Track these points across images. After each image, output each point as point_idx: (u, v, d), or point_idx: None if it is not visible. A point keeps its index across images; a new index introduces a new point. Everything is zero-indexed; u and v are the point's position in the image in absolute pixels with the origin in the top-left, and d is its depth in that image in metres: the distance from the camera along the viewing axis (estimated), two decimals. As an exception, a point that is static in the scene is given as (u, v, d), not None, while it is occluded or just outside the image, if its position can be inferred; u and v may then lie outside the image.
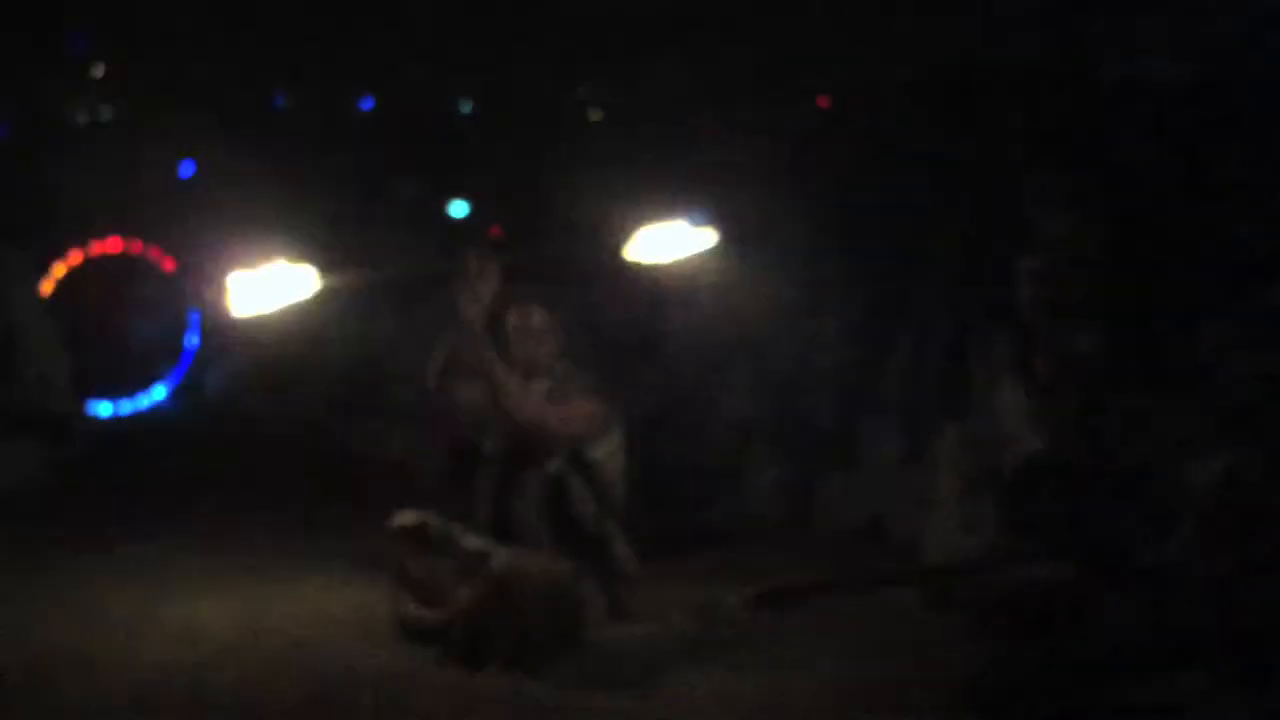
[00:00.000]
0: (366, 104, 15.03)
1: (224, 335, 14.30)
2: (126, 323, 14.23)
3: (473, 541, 8.17)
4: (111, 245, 14.08)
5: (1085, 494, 8.96)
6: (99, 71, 13.07)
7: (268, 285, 7.94)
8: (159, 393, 14.31)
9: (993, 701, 6.99)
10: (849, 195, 12.68)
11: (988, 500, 9.24)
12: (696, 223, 8.85)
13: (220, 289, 8.51)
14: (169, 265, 14.28)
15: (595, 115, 15.54)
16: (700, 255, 9.01)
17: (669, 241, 8.80)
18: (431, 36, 13.51)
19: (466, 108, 15.21)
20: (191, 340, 14.43)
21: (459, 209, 13.96)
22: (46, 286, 13.30)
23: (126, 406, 14.10)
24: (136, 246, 14.19)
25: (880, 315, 11.86)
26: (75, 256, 13.88)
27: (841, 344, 11.92)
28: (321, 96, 14.41)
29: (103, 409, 13.80)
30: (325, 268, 7.97)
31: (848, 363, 11.81)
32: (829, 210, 12.59)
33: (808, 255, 12.49)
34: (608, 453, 8.72)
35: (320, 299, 8.88)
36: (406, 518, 8.36)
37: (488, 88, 15.19)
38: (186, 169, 14.37)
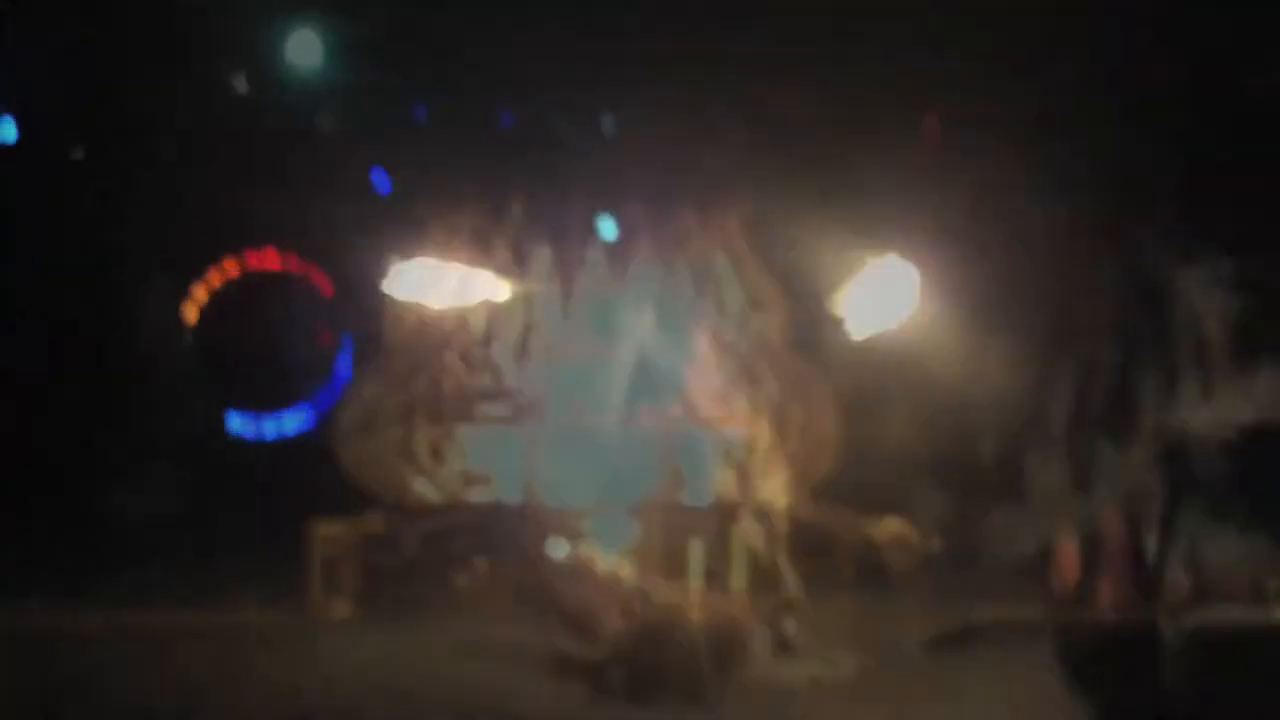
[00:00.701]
0: (505, 120, 14.65)
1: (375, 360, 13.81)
2: (277, 341, 13.69)
3: (632, 573, 8.00)
4: (268, 260, 13.54)
5: None
6: (243, 85, 12.76)
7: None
8: (304, 416, 13.88)
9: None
10: (1014, 218, 12.38)
11: (1161, 545, 8.93)
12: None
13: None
14: (326, 287, 13.67)
15: (737, 135, 15.18)
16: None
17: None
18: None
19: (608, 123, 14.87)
20: (343, 365, 13.81)
21: (608, 229, 13.61)
22: (197, 298, 12.99)
23: (271, 428, 13.76)
24: (294, 263, 13.60)
25: (1045, 345, 11.56)
26: (230, 268, 13.38)
27: (1006, 373, 11.61)
28: (467, 112, 14.09)
29: (246, 430, 13.51)
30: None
31: (1012, 393, 11.51)
32: (993, 234, 12.29)
33: (974, 282, 12.19)
34: (778, 488, 8.58)
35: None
36: (560, 548, 8.22)
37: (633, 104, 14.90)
38: (379, 183, 13.58)
